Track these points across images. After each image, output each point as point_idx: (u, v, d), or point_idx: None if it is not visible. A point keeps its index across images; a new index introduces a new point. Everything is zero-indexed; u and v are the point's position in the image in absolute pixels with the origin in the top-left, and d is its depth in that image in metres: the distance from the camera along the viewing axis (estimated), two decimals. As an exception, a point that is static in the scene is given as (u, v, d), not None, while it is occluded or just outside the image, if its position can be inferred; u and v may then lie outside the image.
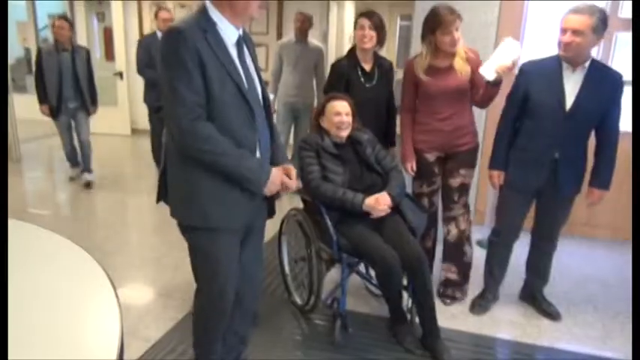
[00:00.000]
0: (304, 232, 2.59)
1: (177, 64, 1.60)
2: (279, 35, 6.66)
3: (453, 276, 2.95)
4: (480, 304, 2.87)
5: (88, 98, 4.85)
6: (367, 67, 2.97)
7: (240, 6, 1.68)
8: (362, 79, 2.94)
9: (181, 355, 2.37)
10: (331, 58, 7.45)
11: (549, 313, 2.80)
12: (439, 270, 3.03)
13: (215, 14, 1.68)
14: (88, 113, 4.91)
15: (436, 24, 2.61)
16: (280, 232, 2.89)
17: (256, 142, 1.79)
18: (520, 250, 2.83)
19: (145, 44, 4.83)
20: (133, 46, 7.26)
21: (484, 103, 2.72)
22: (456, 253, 2.92)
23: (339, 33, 8.16)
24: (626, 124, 2.54)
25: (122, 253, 3.54)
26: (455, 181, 2.81)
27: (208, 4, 1.69)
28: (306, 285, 2.68)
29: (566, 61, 2.38)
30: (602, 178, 2.52)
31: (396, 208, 2.46)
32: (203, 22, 1.66)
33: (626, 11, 3.49)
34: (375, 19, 2.88)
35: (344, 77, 2.94)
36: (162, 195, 1.91)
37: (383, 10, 8.97)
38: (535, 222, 2.73)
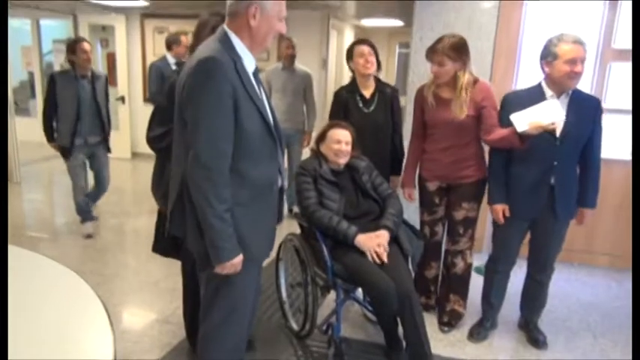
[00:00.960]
0: (300, 257, 2.59)
1: (212, 94, 1.58)
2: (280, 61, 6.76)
3: (460, 309, 2.94)
4: (479, 332, 2.85)
5: (108, 131, 4.27)
6: (367, 92, 3.04)
7: (260, 36, 1.70)
8: (360, 105, 3.02)
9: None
10: (330, 85, 7.57)
11: (535, 339, 2.79)
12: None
13: (237, 43, 1.69)
14: (108, 149, 4.30)
15: (426, 55, 2.65)
16: (278, 258, 2.89)
17: (277, 172, 1.83)
18: (520, 277, 2.83)
19: (157, 69, 4.60)
20: (134, 71, 7.42)
21: (495, 144, 2.55)
22: (463, 285, 2.92)
23: (339, 60, 8.28)
24: (625, 152, 2.58)
25: (120, 278, 3.53)
26: (458, 214, 2.76)
27: (229, 31, 1.69)
28: (302, 310, 2.67)
29: (553, 90, 2.42)
30: (590, 198, 2.57)
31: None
32: (230, 50, 1.66)
33: (619, 42, 3.55)
34: (371, 44, 3.00)
35: (343, 104, 3.02)
36: (175, 227, 1.83)
37: (382, 38, 9.17)
38: (530, 250, 2.74)
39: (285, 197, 2.17)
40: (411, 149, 2.91)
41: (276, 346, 2.67)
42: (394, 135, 3.12)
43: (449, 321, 2.92)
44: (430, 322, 2.81)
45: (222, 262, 1.68)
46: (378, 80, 3.10)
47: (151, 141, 2.32)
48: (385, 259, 2.31)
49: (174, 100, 1.74)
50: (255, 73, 1.78)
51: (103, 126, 4.16)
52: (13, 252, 1.75)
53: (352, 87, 3.07)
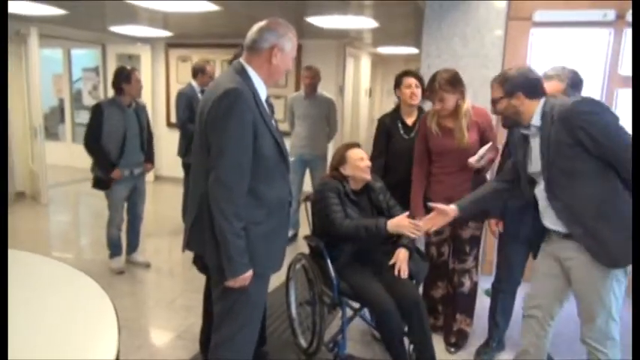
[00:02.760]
0: (308, 276, 2.69)
1: (236, 122, 1.75)
2: (297, 88, 6.96)
3: (467, 328, 2.99)
4: (486, 353, 2.89)
5: (153, 162, 4.18)
6: (409, 120, 3.24)
7: (277, 72, 1.90)
8: (401, 132, 3.22)
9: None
10: (347, 111, 7.73)
11: None
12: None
13: (253, 75, 1.87)
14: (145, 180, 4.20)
15: (429, 89, 2.81)
16: (288, 277, 2.99)
17: (288, 191, 2.00)
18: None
19: (186, 97, 4.62)
20: (158, 98, 7.72)
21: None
22: (470, 304, 2.98)
23: (356, 86, 8.46)
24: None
25: (136, 294, 3.67)
26: (465, 233, 2.84)
27: (246, 64, 1.88)
28: (310, 328, 2.75)
29: None
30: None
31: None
32: (248, 82, 1.84)
33: (626, 69, 3.61)
34: (419, 76, 3.22)
35: (385, 130, 3.26)
36: (194, 244, 1.98)
37: (398, 64, 9.32)
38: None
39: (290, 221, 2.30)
40: (415, 177, 2.96)
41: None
42: None
43: (456, 342, 2.97)
44: (437, 341, 2.84)
45: (235, 276, 1.82)
46: (420, 109, 3.28)
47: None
48: (406, 274, 2.46)
49: None
50: (267, 100, 1.95)
51: (148, 156, 4.07)
52: (30, 257, 1.96)
53: (396, 114, 3.27)
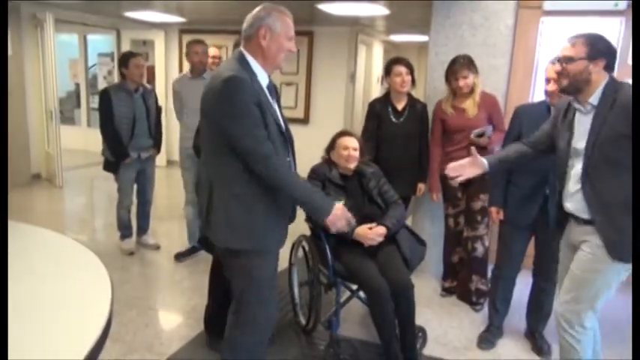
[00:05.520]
0: (306, 256, 2.78)
1: (241, 105, 1.80)
2: (309, 75, 6.98)
3: (483, 287, 3.30)
4: (487, 339, 2.93)
5: (159, 147, 4.23)
6: (399, 105, 3.37)
7: (271, 54, 1.92)
8: (391, 116, 3.37)
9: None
10: (358, 98, 7.74)
11: (539, 348, 2.84)
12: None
13: (251, 61, 1.92)
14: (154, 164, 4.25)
15: (449, 71, 3.16)
16: (290, 258, 3.06)
17: (291, 168, 2.05)
18: (529, 287, 2.90)
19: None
20: (171, 84, 7.78)
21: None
22: (484, 266, 3.28)
23: (367, 74, 8.44)
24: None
25: (145, 275, 3.78)
26: (476, 205, 3.22)
27: (244, 52, 1.92)
28: (308, 307, 2.86)
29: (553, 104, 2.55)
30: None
31: (392, 238, 2.62)
32: (247, 69, 1.88)
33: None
34: (408, 64, 3.33)
35: (376, 114, 3.40)
36: (210, 230, 2.00)
37: (412, 51, 9.28)
38: (534, 259, 2.82)
39: None
40: (433, 156, 3.37)
41: (286, 340, 2.85)
42: (421, 142, 3.40)
43: (477, 300, 3.33)
44: (451, 303, 3.47)
45: (329, 215, 1.94)
46: (410, 96, 3.42)
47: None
48: (374, 243, 2.54)
49: None
50: (269, 86, 1.98)
51: (155, 141, 4.14)
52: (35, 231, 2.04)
53: (386, 100, 3.43)
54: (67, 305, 1.43)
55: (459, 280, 3.50)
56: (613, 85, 1.94)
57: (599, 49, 1.95)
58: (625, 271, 2.01)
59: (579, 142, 2.01)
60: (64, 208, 5.87)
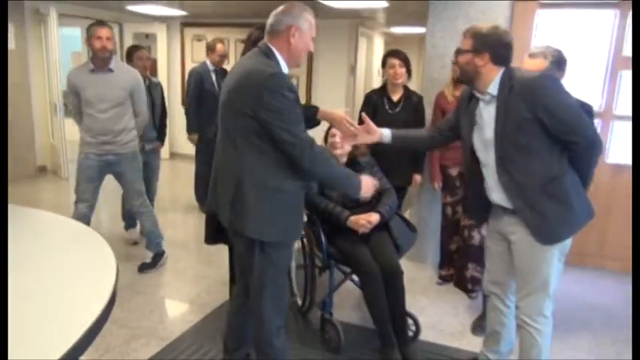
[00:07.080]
0: (302, 241, 2.90)
1: (291, 102, 1.87)
2: (310, 67, 7.04)
3: (478, 274, 3.32)
4: (481, 326, 2.99)
5: (163, 139, 4.29)
6: (395, 97, 3.47)
7: (297, 52, 1.99)
8: (386, 107, 3.46)
9: (194, 353, 2.64)
10: (359, 90, 7.79)
11: None
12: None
13: (278, 56, 1.97)
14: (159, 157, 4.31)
15: (454, 62, 3.12)
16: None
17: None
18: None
19: (197, 75, 4.62)
20: (173, 77, 7.87)
21: None
22: (480, 254, 3.21)
23: (368, 66, 8.47)
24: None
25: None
26: None
27: (270, 46, 1.97)
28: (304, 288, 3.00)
29: None
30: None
31: (385, 225, 2.72)
32: (278, 64, 1.95)
33: (629, 50, 3.62)
34: (403, 57, 3.39)
35: (372, 105, 3.48)
36: (237, 221, 1.99)
37: (413, 44, 9.31)
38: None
39: None
40: None
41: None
42: None
43: (472, 288, 3.40)
44: (447, 291, 3.55)
45: (360, 189, 2.07)
46: (406, 88, 3.50)
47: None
48: (366, 230, 2.64)
49: None
50: None
51: (159, 134, 4.20)
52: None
53: (382, 91, 3.54)
54: (73, 280, 1.51)
55: (455, 268, 3.57)
56: (509, 75, 1.97)
57: (483, 42, 1.97)
58: (561, 248, 2.07)
59: (487, 132, 2.05)
60: (70, 199, 5.94)
